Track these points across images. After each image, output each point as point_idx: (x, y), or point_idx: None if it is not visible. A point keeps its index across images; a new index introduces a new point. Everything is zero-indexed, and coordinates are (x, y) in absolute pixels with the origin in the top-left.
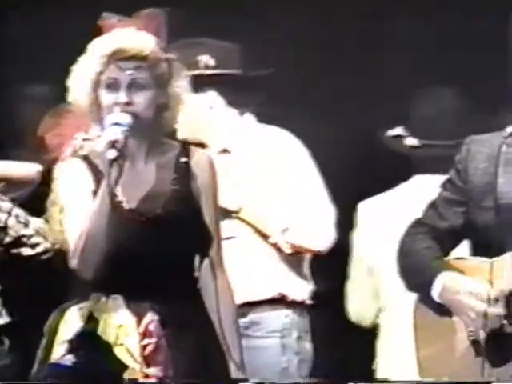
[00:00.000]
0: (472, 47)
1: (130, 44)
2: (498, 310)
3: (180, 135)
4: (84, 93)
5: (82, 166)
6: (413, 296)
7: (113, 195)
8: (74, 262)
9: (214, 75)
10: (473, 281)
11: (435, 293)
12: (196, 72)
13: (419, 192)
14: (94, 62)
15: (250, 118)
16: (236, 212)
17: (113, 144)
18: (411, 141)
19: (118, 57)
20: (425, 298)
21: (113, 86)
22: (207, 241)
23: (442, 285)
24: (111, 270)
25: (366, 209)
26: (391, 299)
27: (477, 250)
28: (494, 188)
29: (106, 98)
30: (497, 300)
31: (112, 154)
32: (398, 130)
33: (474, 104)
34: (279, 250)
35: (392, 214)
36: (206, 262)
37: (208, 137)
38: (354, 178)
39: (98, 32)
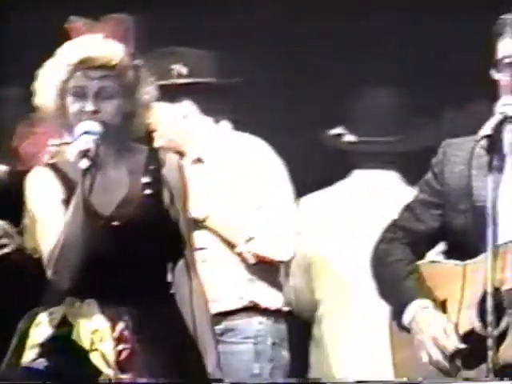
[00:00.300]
0: (408, 47)
1: (98, 53)
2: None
3: (157, 144)
4: (50, 98)
5: (51, 175)
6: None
7: (86, 203)
8: (49, 273)
9: (188, 84)
10: (441, 324)
11: (405, 319)
12: (169, 81)
13: (357, 187)
14: (61, 69)
15: (225, 126)
16: (202, 221)
17: (85, 153)
18: (349, 137)
19: (85, 65)
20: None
21: (80, 94)
22: (180, 245)
23: (413, 315)
24: (85, 275)
25: (307, 205)
26: (330, 292)
27: (452, 253)
28: (470, 191)
29: (73, 105)
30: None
31: (84, 163)
32: (338, 129)
33: (410, 102)
34: (244, 260)
35: (331, 209)
36: (180, 266)
37: (184, 146)
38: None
39: (65, 35)
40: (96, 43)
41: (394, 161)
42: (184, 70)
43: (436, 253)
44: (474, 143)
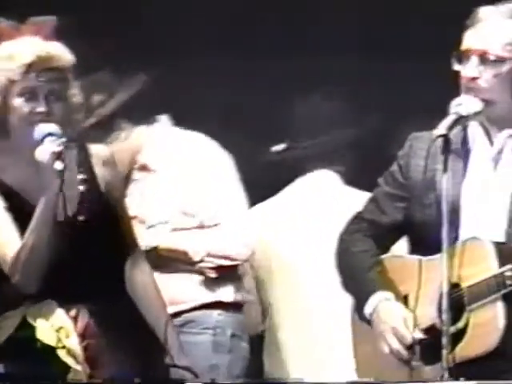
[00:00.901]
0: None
1: (49, 55)
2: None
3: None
4: None
5: None
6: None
7: (55, 206)
8: (15, 278)
9: None
10: (401, 315)
11: (367, 310)
12: None
13: (303, 190)
14: (11, 69)
15: (165, 121)
16: (154, 249)
17: (58, 155)
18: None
19: (37, 67)
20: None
21: (30, 95)
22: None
23: (374, 307)
24: (43, 276)
25: (257, 212)
26: (278, 295)
27: (417, 247)
28: (434, 185)
29: (23, 106)
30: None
31: (59, 165)
32: (281, 146)
33: (342, 106)
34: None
35: (281, 213)
36: (129, 262)
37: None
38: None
39: None
40: (47, 45)
41: (332, 161)
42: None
43: (400, 247)
44: (430, 143)
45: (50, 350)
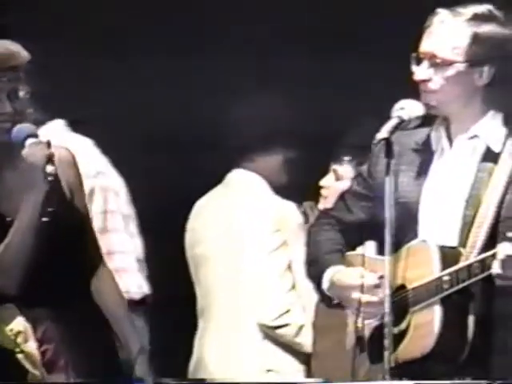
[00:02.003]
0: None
1: (6, 54)
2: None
3: None
4: None
5: None
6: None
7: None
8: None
9: None
10: (357, 272)
11: (324, 286)
12: None
13: (230, 188)
14: None
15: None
16: None
17: (49, 158)
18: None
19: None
20: (319, 291)
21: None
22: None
23: (330, 279)
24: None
25: (196, 207)
26: (216, 290)
27: (381, 247)
28: (397, 186)
29: None
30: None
31: (50, 168)
32: None
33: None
34: None
35: (210, 210)
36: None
37: None
38: None
39: None
40: (1, 44)
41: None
42: None
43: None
44: (373, 146)
45: (9, 354)
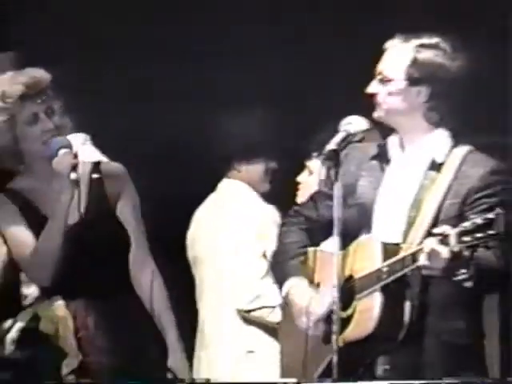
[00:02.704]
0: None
1: (33, 81)
2: (318, 329)
3: None
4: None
5: (7, 200)
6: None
7: (68, 211)
8: (30, 274)
9: None
10: (309, 296)
11: (282, 293)
12: None
13: (221, 196)
14: (7, 106)
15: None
16: None
17: (74, 167)
18: None
19: (28, 94)
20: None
21: (34, 119)
22: (127, 239)
23: (287, 290)
24: (54, 272)
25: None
26: (204, 286)
27: (343, 243)
28: (355, 189)
29: (32, 131)
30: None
31: (74, 175)
32: None
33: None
34: None
35: (208, 212)
36: (134, 256)
37: None
38: None
39: None
40: (26, 73)
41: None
42: None
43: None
44: (322, 156)
45: (51, 339)
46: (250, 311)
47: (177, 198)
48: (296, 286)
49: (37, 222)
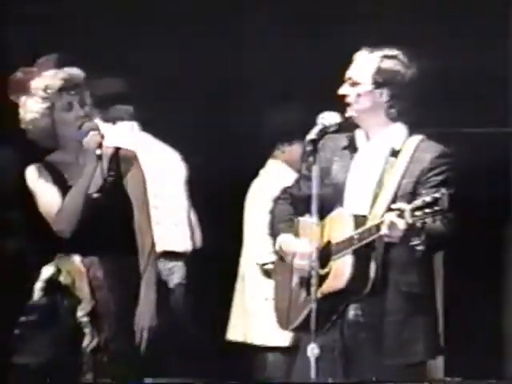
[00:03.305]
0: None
1: (70, 77)
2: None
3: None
4: (40, 121)
5: (43, 169)
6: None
7: (91, 180)
8: (56, 228)
9: None
10: (299, 244)
11: (276, 247)
12: None
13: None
14: (49, 96)
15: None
16: None
17: (99, 144)
18: None
19: (66, 88)
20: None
21: (69, 107)
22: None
23: (280, 243)
24: (74, 228)
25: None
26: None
27: (322, 215)
28: (330, 171)
29: (67, 117)
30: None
31: (99, 151)
32: None
33: None
34: None
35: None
36: (136, 222)
37: None
38: None
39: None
40: (65, 71)
41: None
42: None
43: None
44: (304, 144)
45: (69, 288)
46: (264, 265)
47: (231, 174)
48: (285, 239)
49: (64, 187)
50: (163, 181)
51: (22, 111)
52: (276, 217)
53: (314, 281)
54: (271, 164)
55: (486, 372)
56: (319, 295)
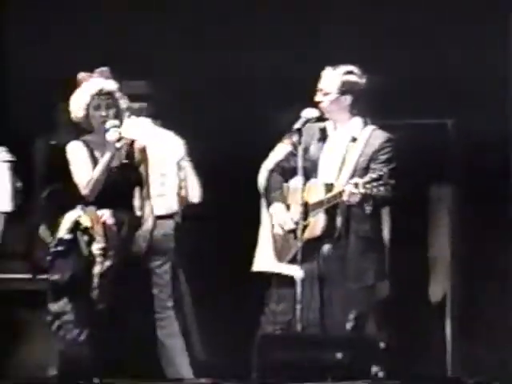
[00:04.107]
0: None
1: (105, 87)
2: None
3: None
4: (80, 112)
5: (81, 145)
6: None
7: (111, 161)
8: (85, 194)
9: None
10: (284, 215)
11: (269, 212)
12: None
13: None
14: (86, 97)
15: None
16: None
17: (119, 138)
18: None
19: (100, 94)
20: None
21: (98, 108)
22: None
23: (271, 211)
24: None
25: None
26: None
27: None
28: (309, 151)
29: (97, 114)
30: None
31: (118, 144)
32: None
33: None
34: None
35: None
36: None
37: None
38: None
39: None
40: (104, 82)
41: None
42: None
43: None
44: (288, 134)
45: (88, 229)
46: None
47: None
48: (276, 209)
49: (94, 162)
50: (166, 162)
51: (72, 101)
52: (270, 185)
53: (299, 230)
54: (279, 146)
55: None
56: (303, 240)
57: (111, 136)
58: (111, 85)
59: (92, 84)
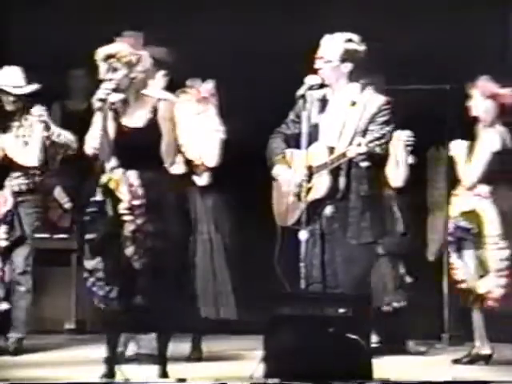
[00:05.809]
0: None
1: (113, 50)
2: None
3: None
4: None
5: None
6: None
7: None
8: (88, 151)
9: None
10: (289, 173)
11: (273, 173)
12: None
13: None
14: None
15: None
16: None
17: (103, 98)
18: None
19: (108, 57)
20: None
21: (107, 71)
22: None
23: (275, 172)
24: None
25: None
26: None
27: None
28: (311, 117)
29: (106, 75)
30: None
31: (99, 103)
32: None
33: None
34: None
35: None
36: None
37: None
38: None
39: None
40: (114, 46)
41: None
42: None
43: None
44: (297, 97)
45: (114, 191)
46: None
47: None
48: (279, 169)
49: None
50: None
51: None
52: (272, 151)
53: (303, 192)
54: None
55: None
56: (307, 201)
57: (99, 94)
58: (122, 48)
59: (110, 46)
